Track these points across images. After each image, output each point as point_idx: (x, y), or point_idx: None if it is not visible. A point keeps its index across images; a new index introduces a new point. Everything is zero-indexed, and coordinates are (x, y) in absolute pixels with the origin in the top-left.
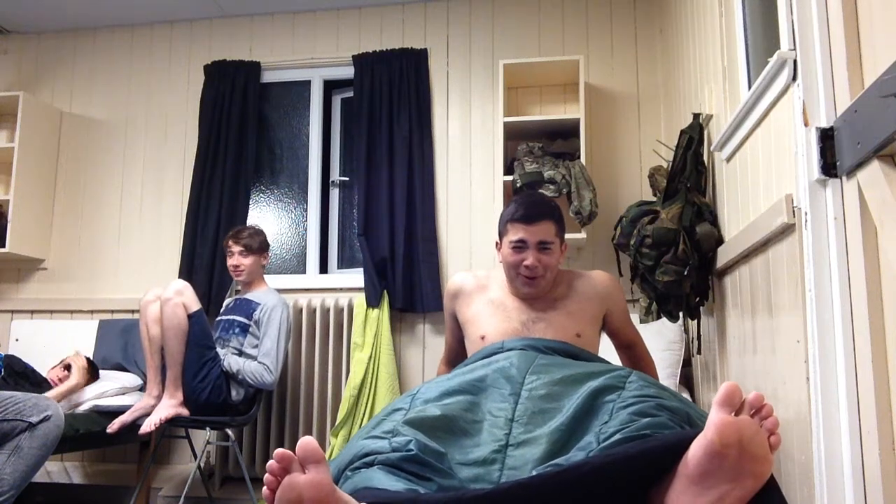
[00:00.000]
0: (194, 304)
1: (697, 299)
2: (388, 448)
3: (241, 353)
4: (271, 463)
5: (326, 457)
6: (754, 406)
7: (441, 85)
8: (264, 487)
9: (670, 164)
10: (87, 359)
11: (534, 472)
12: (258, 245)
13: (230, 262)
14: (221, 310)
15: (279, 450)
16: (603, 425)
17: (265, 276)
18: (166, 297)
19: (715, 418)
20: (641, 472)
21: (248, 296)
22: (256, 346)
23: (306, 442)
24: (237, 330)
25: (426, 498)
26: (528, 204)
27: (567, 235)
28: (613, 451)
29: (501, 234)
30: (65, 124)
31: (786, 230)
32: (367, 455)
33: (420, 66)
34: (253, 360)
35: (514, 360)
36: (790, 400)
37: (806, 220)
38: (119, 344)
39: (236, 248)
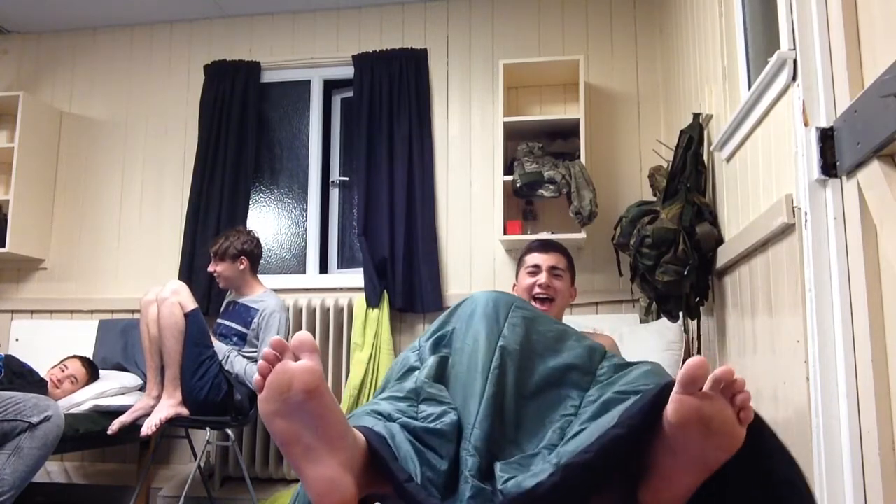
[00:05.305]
0: (191, 304)
1: (697, 299)
2: (413, 413)
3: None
4: (266, 351)
5: None
6: (721, 382)
7: (441, 85)
8: (256, 374)
9: (670, 164)
10: (87, 359)
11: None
12: (230, 251)
13: (209, 268)
14: (220, 310)
15: (275, 337)
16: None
17: (262, 277)
18: (163, 296)
19: (674, 396)
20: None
21: (245, 300)
22: (254, 351)
23: (302, 334)
24: (235, 339)
25: (413, 490)
26: (544, 239)
27: (567, 235)
28: (589, 446)
29: (518, 269)
30: (65, 124)
31: (786, 230)
32: (384, 414)
33: (420, 66)
34: (253, 362)
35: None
36: (790, 400)
37: (806, 220)
38: (119, 344)
39: (211, 255)
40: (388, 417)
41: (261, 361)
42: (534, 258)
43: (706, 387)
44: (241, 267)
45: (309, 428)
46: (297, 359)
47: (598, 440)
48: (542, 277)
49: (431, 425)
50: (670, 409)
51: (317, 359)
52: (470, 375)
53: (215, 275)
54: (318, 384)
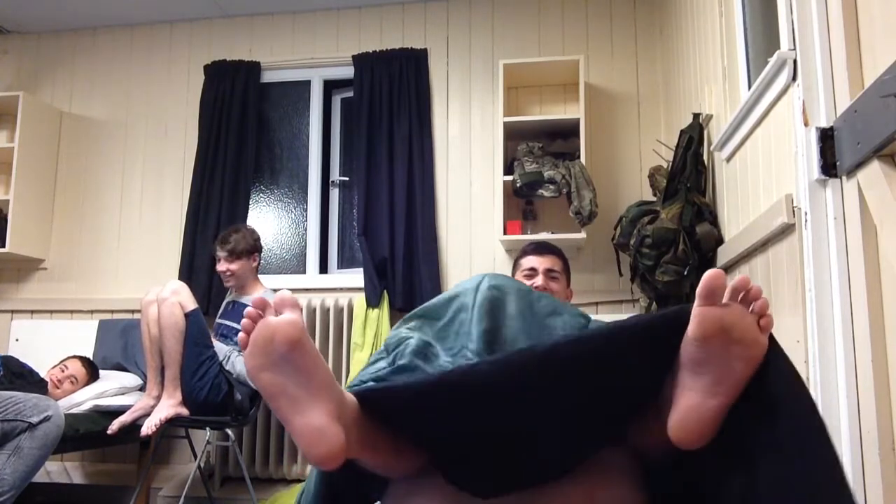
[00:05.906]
0: (191, 304)
1: None
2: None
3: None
4: (249, 310)
5: None
6: (738, 291)
7: (441, 85)
8: (240, 333)
9: (670, 164)
10: (87, 359)
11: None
12: (245, 248)
13: (218, 267)
14: (220, 311)
15: (257, 296)
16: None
17: (261, 277)
18: (163, 296)
19: (696, 310)
20: (647, 344)
21: (245, 300)
22: None
23: (283, 292)
24: (235, 339)
25: (410, 382)
26: (539, 242)
27: (567, 235)
28: (622, 323)
29: (514, 273)
30: (65, 124)
31: (786, 230)
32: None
33: (420, 66)
34: None
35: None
36: None
37: (806, 220)
38: (119, 344)
39: (222, 254)
40: (360, 384)
41: (244, 320)
42: (530, 261)
43: (725, 297)
44: (254, 263)
45: (293, 379)
46: (279, 315)
47: (615, 324)
48: (539, 280)
49: (394, 366)
50: (693, 325)
51: (298, 313)
52: (463, 292)
53: (227, 273)
54: (299, 336)
